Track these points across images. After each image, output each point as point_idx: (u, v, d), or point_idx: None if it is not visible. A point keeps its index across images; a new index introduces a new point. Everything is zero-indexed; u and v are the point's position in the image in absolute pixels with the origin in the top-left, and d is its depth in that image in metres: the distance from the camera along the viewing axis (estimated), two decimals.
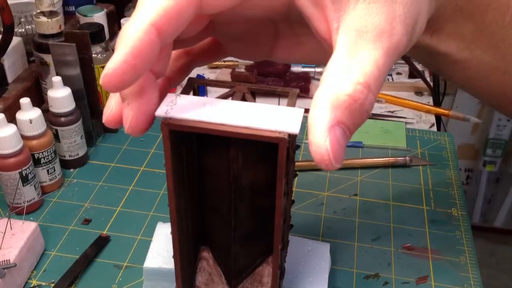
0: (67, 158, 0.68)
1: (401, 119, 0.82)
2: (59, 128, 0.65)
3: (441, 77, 0.47)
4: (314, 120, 0.29)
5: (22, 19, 0.78)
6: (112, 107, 0.33)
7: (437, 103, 0.89)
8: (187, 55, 0.40)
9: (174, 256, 0.40)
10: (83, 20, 0.80)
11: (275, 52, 0.42)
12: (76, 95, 0.65)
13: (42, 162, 0.62)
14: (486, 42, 0.42)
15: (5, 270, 0.49)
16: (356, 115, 0.30)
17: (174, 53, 0.39)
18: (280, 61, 0.45)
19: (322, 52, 0.37)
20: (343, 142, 0.31)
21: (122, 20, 0.82)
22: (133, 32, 0.29)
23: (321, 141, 0.30)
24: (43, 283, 0.53)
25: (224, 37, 0.40)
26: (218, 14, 0.33)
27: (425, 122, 0.83)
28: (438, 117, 0.86)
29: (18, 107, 0.60)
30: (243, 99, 0.38)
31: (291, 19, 0.38)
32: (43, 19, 0.68)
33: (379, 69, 0.30)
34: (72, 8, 0.86)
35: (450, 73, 0.45)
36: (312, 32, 0.35)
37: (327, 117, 0.29)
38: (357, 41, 0.30)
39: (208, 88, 0.82)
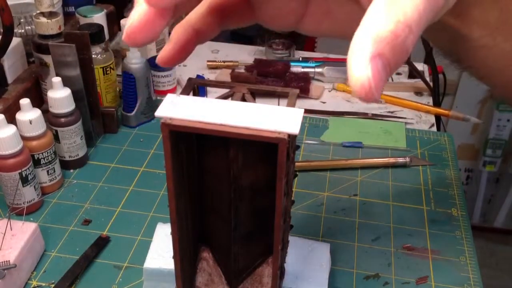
0: (67, 158, 0.68)
1: (401, 119, 0.82)
2: (59, 129, 0.65)
3: (460, 68, 0.47)
4: (354, 51, 0.30)
5: (22, 20, 0.78)
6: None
7: (437, 103, 0.89)
8: (218, 12, 0.41)
9: (174, 257, 0.40)
10: (83, 20, 0.80)
11: (304, 22, 0.42)
12: (76, 95, 0.65)
13: (42, 162, 0.62)
14: (509, 31, 0.42)
15: (5, 271, 0.49)
16: (398, 51, 0.30)
17: (206, 8, 0.40)
18: (308, 32, 0.45)
19: (351, 25, 0.37)
20: (383, 75, 0.31)
21: (122, 21, 0.82)
22: None
23: (362, 69, 0.30)
24: (43, 284, 0.53)
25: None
26: None
27: (425, 122, 0.83)
28: (438, 117, 0.86)
29: (18, 107, 0.60)
30: (243, 99, 0.38)
31: None
32: (43, 19, 0.68)
33: (419, 13, 0.30)
34: (72, 9, 0.86)
35: (469, 60, 0.45)
36: (343, 2, 0.36)
37: (369, 48, 0.29)
38: None
39: (208, 88, 0.82)
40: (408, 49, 0.30)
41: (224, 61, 0.95)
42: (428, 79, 0.91)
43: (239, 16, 0.42)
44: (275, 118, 0.34)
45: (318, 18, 0.42)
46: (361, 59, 0.30)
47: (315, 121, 0.81)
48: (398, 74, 0.94)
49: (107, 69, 0.74)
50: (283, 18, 0.42)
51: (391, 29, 0.29)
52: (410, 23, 0.30)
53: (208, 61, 0.95)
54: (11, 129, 0.56)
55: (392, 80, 0.93)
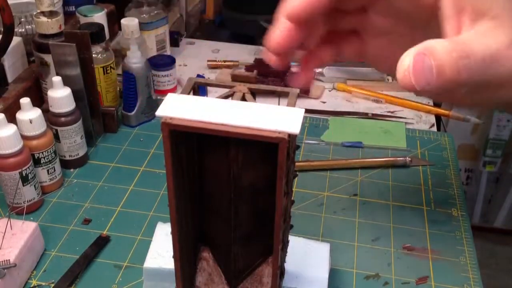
0: (67, 158, 0.68)
1: (401, 119, 0.82)
2: (59, 128, 0.65)
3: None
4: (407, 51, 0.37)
5: (22, 19, 0.78)
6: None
7: (437, 103, 0.89)
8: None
9: (174, 256, 0.40)
10: (83, 20, 0.80)
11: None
12: (76, 95, 0.65)
13: (42, 162, 0.62)
14: None
15: (5, 270, 0.49)
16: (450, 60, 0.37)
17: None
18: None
19: None
20: (427, 70, 0.37)
21: (122, 20, 0.82)
22: None
23: (405, 62, 0.37)
24: (43, 283, 0.53)
25: (368, 32, 0.49)
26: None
27: (425, 122, 0.83)
28: (438, 118, 0.86)
29: (18, 107, 0.60)
30: (243, 99, 0.38)
31: (430, 27, 0.44)
32: (43, 19, 0.68)
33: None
34: (72, 8, 0.86)
35: None
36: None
37: (417, 48, 0.37)
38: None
39: (208, 88, 0.82)
40: (462, 69, 0.38)
41: (224, 61, 0.94)
42: None
43: (349, 47, 0.50)
44: (275, 117, 0.34)
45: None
46: (408, 53, 0.37)
47: (315, 121, 0.81)
48: None
49: (108, 69, 0.74)
50: (391, 60, 0.48)
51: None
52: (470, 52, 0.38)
53: (208, 60, 0.95)
54: (11, 128, 0.56)
55: (393, 80, 0.93)
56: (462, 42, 0.39)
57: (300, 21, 0.43)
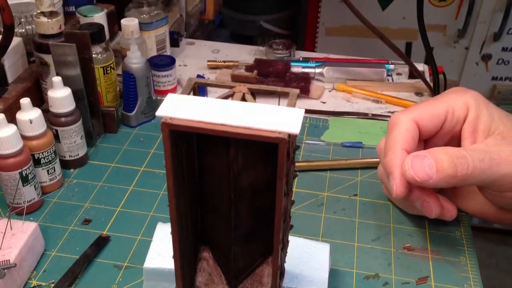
0: (67, 158, 0.68)
1: None
2: (59, 129, 0.65)
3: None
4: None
5: (22, 19, 0.78)
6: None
7: None
8: None
9: (174, 256, 0.40)
10: (83, 20, 0.80)
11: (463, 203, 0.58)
12: (76, 95, 0.65)
13: (42, 162, 0.62)
14: None
15: (5, 270, 0.49)
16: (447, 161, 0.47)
17: None
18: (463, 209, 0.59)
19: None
20: (427, 167, 0.47)
21: (122, 20, 0.82)
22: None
23: (407, 160, 0.48)
24: (43, 283, 0.53)
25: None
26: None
27: None
28: None
29: (18, 107, 0.60)
30: (243, 99, 0.38)
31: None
32: (43, 19, 0.68)
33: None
34: (72, 8, 0.86)
35: None
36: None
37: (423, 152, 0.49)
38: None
39: (208, 88, 0.82)
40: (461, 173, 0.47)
41: (224, 61, 0.94)
42: (428, 79, 0.91)
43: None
44: (275, 118, 0.34)
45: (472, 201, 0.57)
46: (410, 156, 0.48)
47: (315, 121, 0.81)
48: (399, 74, 0.94)
49: (108, 69, 0.74)
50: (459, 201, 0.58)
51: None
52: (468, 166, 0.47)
53: (208, 61, 0.95)
54: (12, 128, 0.56)
55: (393, 80, 0.93)
56: (462, 148, 0.48)
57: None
